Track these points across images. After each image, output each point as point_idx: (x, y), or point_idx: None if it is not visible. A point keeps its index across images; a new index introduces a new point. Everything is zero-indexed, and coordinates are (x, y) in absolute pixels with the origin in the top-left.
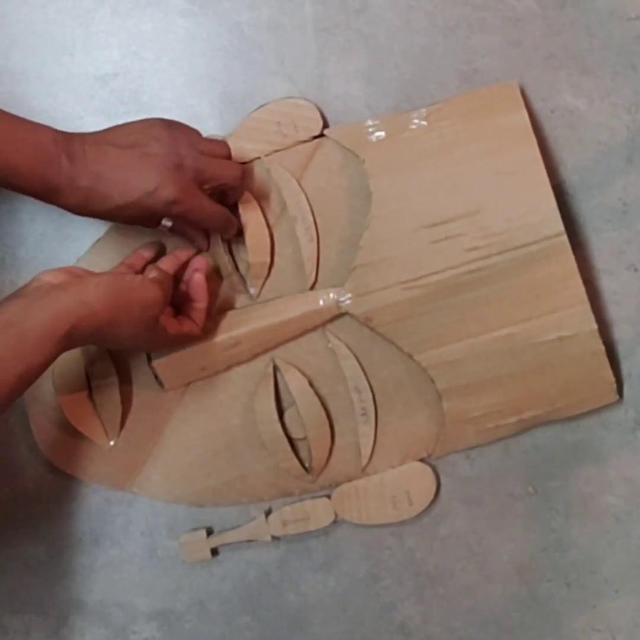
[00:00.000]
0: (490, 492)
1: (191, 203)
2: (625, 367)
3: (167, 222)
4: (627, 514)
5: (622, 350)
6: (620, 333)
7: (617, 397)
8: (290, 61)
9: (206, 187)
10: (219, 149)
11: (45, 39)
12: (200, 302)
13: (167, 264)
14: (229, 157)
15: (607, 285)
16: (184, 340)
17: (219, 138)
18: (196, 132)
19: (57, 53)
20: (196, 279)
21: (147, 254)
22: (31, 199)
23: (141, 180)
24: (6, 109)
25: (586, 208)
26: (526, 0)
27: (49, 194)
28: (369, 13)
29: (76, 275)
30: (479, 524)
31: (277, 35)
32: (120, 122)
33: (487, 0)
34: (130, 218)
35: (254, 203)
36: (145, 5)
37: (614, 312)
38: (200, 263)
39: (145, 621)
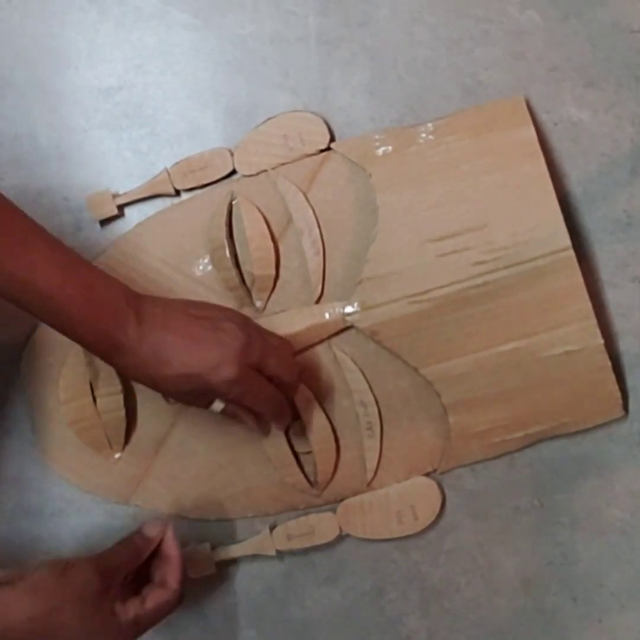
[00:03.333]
0: (496, 505)
1: (250, 384)
2: (630, 380)
3: (219, 404)
4: (633, 528)
5: (627, 362)
6: (626, 345)
7: (624, 412)
8: (293, 74)
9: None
10: (285, 346)
11: (50, 53)
12: (173, 555)
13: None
14: (293, 355)
15: (611, 297)
16: (160, 613)
17: (225, 149)
18: (265, 329)
19: (61, 66)
20: (168, 536)
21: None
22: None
23: (205, 353)
24: (11, 122)
25: (590, 220)
26: (529, 13)
27: (109, 351)
28: (372, 26)
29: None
30: (485, 538)
31: (281, 48)
32: (124, 135)
33: (489, 13)
34: (184, 394)
35: (259, 216)
36: (149, 18)
37: (619, 324)
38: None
39: (150, 635)
